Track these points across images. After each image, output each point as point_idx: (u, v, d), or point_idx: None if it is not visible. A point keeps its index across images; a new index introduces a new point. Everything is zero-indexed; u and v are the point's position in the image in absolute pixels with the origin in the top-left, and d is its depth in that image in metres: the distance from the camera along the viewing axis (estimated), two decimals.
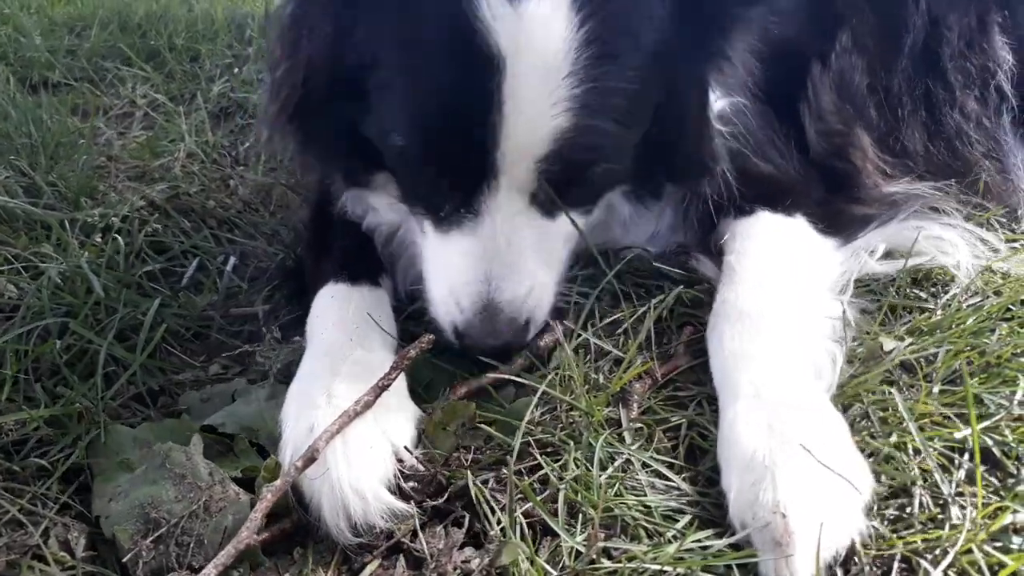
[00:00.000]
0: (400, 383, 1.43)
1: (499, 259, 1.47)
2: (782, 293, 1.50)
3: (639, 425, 1.39)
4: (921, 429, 1.30)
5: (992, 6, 1.95)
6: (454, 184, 1.47)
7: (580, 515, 1.21)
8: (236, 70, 3.21)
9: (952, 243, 1.72)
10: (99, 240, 1.97)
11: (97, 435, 1.41)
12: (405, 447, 1.32)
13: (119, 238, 1.93)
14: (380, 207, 1.74)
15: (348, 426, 1.28)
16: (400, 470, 1.29)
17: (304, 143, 1.68)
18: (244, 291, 1.92)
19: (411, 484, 1.28)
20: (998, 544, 1.12)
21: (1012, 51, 1.95)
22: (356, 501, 1.22)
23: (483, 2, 1.33)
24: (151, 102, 3.01)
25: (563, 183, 1.48)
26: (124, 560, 1.19)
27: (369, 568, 1.19)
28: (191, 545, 1.17)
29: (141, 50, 3.43)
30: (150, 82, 3.18)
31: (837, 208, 1.78)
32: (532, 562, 1.13)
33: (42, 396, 1.51)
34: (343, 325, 1.52)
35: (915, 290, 1.68)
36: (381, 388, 1.34)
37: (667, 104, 1.52)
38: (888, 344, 1.52)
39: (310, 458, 1.21)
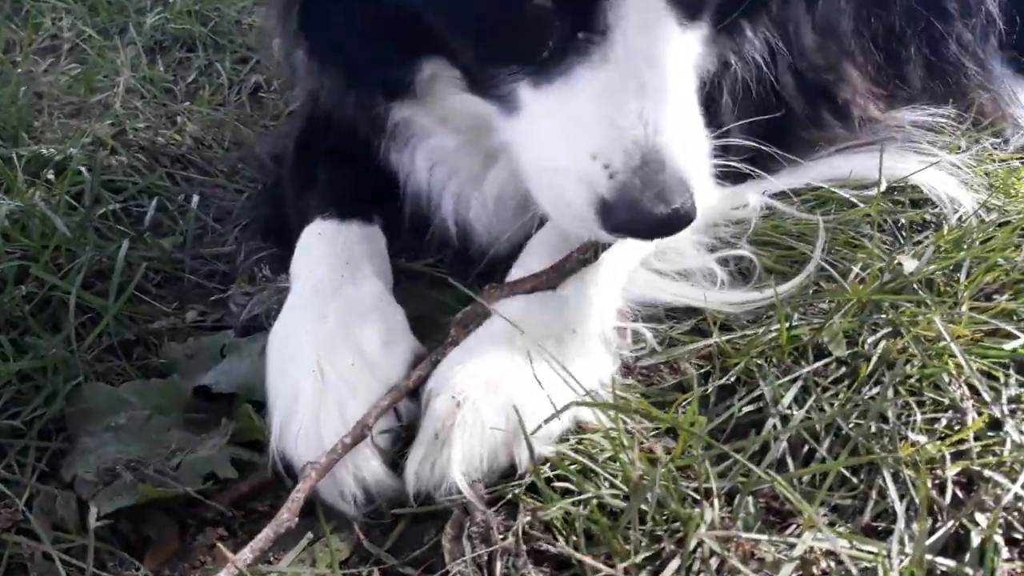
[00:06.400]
0: (400, 319, 1.32)
1: (646, 88, 1.07)
2: None
3: None
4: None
5: None
6: None
7: None
8: (170, 0, 2.97)
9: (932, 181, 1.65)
10: (51, 177, 1.78)
11: (75, 391, 1.27)
12: None
13: (83, 171, 1.74)
14: (429, 125, 1.46)
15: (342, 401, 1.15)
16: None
17: (323, 51, 1.37)
18: (212, 231, 1.77)
19: None
20: None
21: None
22: (360, 492, 1.10)
23: None
24: (78, 34, 2.77)
25: None
26: None
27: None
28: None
29: None
30: (72, 14, 2.92)
31: (798, 135, 1.70)
32: None
33: (10, 349, 1.35)
34: (332, 263, 1.39)
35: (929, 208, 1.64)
36: (434, 363, 1.21)
37: None
38: (908, 264, 1.47)
39: (360, 435, 1.09)
